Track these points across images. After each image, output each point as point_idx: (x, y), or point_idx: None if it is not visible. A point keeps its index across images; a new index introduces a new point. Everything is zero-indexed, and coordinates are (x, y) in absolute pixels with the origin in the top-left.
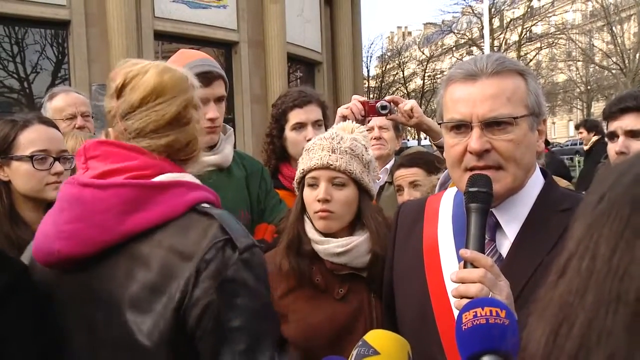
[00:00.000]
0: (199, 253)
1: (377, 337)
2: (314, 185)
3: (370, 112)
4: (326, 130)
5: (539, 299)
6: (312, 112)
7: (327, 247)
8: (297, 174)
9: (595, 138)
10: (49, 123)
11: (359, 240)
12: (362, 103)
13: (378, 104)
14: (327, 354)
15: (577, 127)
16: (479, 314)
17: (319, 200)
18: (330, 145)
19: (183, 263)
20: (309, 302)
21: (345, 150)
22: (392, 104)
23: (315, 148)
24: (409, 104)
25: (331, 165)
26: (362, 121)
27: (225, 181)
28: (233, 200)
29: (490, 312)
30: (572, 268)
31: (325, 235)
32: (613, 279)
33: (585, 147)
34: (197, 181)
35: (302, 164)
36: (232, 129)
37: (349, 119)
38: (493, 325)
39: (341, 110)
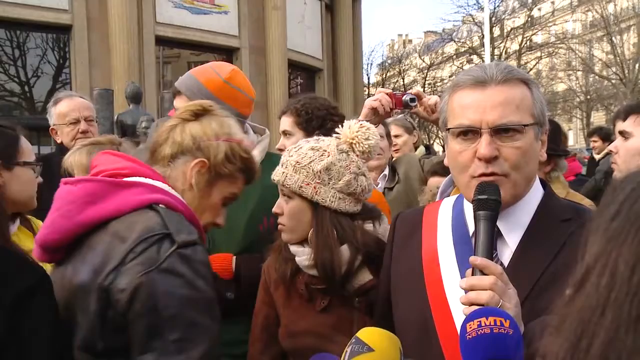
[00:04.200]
0: (132, 240)
1: (370, 334)
2: None
3: (398, 104)
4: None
5: (556, 312)
6: (282, 123)
7: (300, 258)
8: None
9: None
10: (22, 133)
11: None
12: (390, 95)
13: (406, 97)
14: None
15: (590, 135)
16: (483, 324)
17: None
18: (283, 158)
19: (120, 246)
20: (294, 311)
21: (291, 163)
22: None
23: None
24: (433, 98)
25: (274, 179)
26: (389, 113)
27: (249, 187)
28: (255, 208)
29: (494, 321)
30: (591, 284)
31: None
32: (633, 300)
33: (598, 156)
34: (170, 190)
35: None
36: (269, 134)
37: (378, 111)
38: (497, 334)
39: (370, 102)
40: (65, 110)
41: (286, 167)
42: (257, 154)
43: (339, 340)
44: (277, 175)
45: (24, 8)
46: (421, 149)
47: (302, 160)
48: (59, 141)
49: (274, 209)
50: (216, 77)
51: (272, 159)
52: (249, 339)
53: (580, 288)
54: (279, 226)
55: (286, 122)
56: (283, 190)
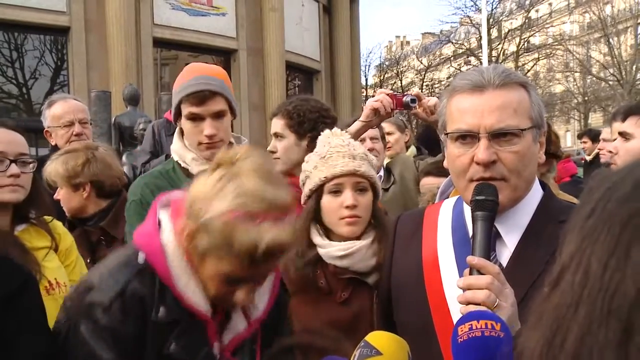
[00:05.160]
0: (84, 280)
1: (379, 338)
2: (337, 192)
3: (398, 105)
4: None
5: (533, 310)
6: (273, 125)
7: (329, 250)
8: (314, 182)
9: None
10: (10, 127)
11: (361, 244)
12: (390, 96)
13: (407, 98)
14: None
15: (580, 137)
16: (474, 327)
17: (347, 207)
18: (349, 151)
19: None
20: (311, 305)
21: (362, 156)
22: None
23: (333, 155)
24: (432, 100)
25: (357, 171)
26: (390, 114)
27: None
28: None
29: (485, 324)
30: (566, 281)
31: (330, 238)
32: (604, 296)
33: (589, 158)
34: (167, 245)
35: (322, 173)
36: (246, 140)
37: (379, 112)
38: (488, 337)
39: (371, 103)
40: (59, 112)
41: (360, 160)
42: None
43: (359, 332)
44: (355, 166)
45: (22, 10)
46: (412, 149)
47: (367, 153)
48: (53, 143)
49: (350, 202)
50: (222, 72)
51: None
52: None
53: (555, 286)
54: (353, 219)
55: (277, 125)
56: (361, 182)
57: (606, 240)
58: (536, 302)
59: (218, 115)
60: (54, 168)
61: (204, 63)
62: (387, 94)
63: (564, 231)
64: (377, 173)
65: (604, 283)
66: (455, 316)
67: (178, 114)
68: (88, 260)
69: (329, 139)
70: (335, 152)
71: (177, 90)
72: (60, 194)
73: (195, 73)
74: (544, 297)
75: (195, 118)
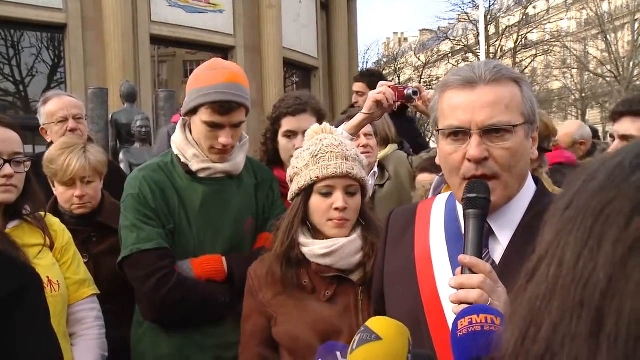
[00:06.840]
0: None
1: (379, 323)
2: (327, 194)
3: (400, 97)
4: None
5: (510, 302)
6: (304, 122)
7: (312, 248)
8: (304, 181)
9: None
10: (5, 124)
11: (344, 241)
12: (392, 88)
13: (409, 91)
14: (314, 355)
15: None
16: (474, 321)
17: (336, 209)
18: (342, 152)
19: None
20: (296, 305)
21: (354, 157)
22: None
23: (325, 155)
24: (432, 93)
25: (350, 173)
26: (392, 106)
27: (233, 189)
28: (239, 208)
29: (485, 319)
30: (541, 273)
31: (315, 237)
32: (577, 286)
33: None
34: None
35: (313, 172)
36: (247, 137)
37: (382, 104)
38: (488, 332)
39: (374, 95)
40: (53, 109)
41: (352, 161)
42: (242, 158)
43: (344, 330)
44: (348, 168)
45: (19, 7)
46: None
47: (358, 154)
48: (49, 140)
49: (340, 205)
50: (244, 75)
51: (251, 162)
52: (239, 347)
53: (531, 278)
54: (342, 222)
55: (311, 122)
56: (352, 185)
57: (580, 231)
58: (512, 295)
59: (237, 125)
60: (99, 159)
61: (222, 59)
62: (390, 87)
63: (542, 223)
64: (372, 169)
65: (577, 273)
66: (448, 312)
67: (192, 111)
68: (86, 260)
69: (319, 135)
70: (329, 151)
71: (201, 91)
72: (92, 187)
73: (223, 78)
74: (519, 290)
75: (214, 125)
